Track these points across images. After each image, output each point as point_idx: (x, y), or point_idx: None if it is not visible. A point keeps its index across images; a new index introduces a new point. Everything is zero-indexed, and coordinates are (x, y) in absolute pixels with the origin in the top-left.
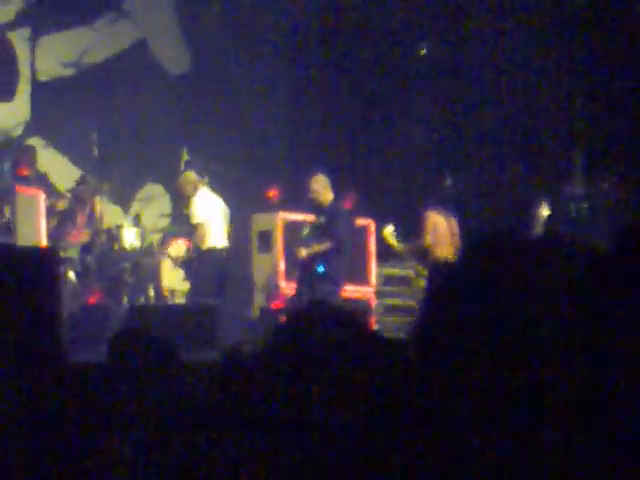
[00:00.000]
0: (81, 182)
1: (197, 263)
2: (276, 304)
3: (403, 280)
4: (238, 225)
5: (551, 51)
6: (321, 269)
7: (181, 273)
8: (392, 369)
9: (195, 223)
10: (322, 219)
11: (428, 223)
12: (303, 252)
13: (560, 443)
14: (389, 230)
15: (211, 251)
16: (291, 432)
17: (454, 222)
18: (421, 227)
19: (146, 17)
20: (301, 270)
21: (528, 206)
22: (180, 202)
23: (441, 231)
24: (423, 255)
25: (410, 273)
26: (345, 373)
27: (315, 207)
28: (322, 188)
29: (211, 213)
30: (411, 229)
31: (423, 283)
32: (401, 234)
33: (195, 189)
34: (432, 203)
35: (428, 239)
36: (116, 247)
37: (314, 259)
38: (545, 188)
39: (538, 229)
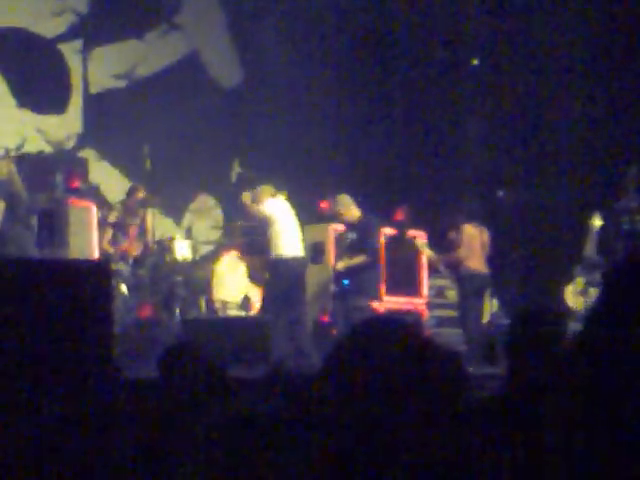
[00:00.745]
0: (131, 193)
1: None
2: (326, 317)
3: (439, 291)
4: None
5: (604, 67)
6: (346, 282)
7: (232, 285)
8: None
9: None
10: (354, 235)
11: (464, 235)
12: (339, 265)
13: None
14: (422, 240)
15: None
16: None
17: (486, 234)
18: (457, 239)
19: (198, 30)
20: (336, 284)
21: (582, 219)
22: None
23: (474, 243)
24: (456, 266)
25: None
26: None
27: (346, 224)
28: (345, 207)
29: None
30: (445, 240)
31: (453, 294)
32: (437, 245)
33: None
34: (468, 215)
35: (462, 251)
36: (168, 259)
37: (348, 273)
38: (599, 201)
39: (592, 241)
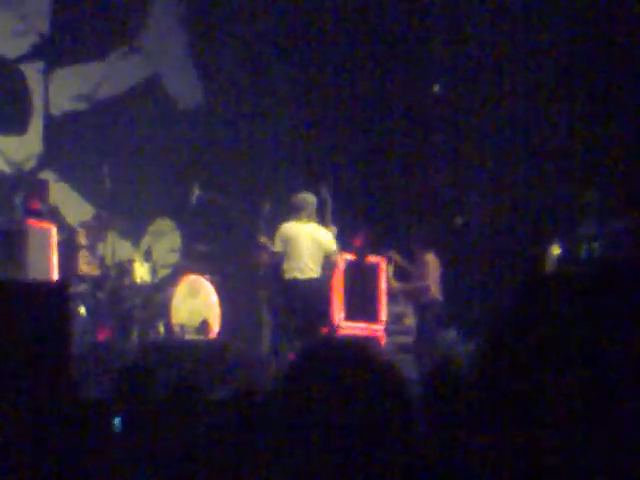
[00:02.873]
0: (95, 218)
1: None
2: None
3: (398, 317)
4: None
5: (564, 92)
6: None
7: (190, 308)
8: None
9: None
10: None
11: (428, 265)
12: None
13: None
14: (397, 260)
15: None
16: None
17: (439, 262)
18: (421, 268)
19: (159, 52)
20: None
21: (541, 245)
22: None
23: (436, 272)
24: (417, 294)
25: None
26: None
27: None
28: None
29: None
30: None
31: (411, 321)
32: (398, 273)
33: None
34: (430, 244)
35: (428, 280)
36: (126, 282)
37: None
38: (559, 228)
39: (551, 268)
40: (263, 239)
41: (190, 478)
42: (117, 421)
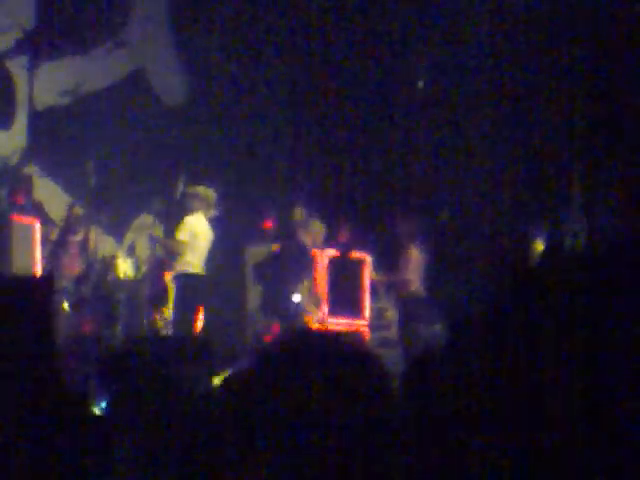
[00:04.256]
0: (69, 210)
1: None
2: (269, 337)
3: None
4: (232, 256)
5: (548, 86)
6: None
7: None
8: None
9: (179, 239)
10: None
11: (410, 259)
12: None
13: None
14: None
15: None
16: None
17: (422, 257)
18: (402, 261)
19: (144, 47)
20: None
21: (524, 239)
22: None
23: (417, 267)
24: (400, 288)
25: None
26: (339, 402)
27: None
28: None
29: (198, 240)
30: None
31: (391, 315)
32: (382, 267)
33: (201, 210)
34: (409, 237)
35: (409, 274)
36: (110, 277)
37: None
38: (542, 221)
39: (534, 261)
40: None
41: (174, 471)
42: (102, 404)
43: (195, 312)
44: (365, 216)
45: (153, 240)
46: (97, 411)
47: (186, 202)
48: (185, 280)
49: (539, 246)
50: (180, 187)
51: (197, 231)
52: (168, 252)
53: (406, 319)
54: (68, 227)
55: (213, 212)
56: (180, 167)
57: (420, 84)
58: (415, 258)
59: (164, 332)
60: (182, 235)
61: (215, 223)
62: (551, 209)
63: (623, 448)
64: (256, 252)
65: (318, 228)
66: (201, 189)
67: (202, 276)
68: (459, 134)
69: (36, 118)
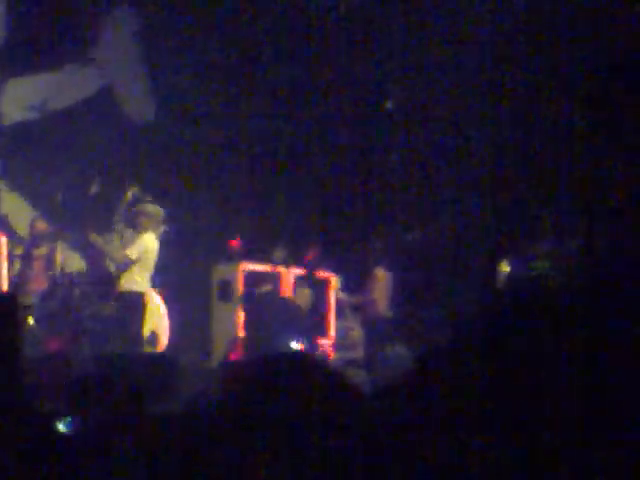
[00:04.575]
0: (32, 224)
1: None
2: (235, 355)
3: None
4: (198, 275)
5: (518, 108)
6: None
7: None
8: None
9: (129, 256)
10: None
11: (378, 279)
12: None
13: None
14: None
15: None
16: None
17: (388, 277)
18: (369, 282)
19: (113, 64)
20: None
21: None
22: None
23: (384, 287)
24: (366, 309)
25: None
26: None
27: None
28: None
29: (147, 258)
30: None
31: (358, 335)
32: (349, 287)
33: (150, 228)
34: (381, 258)
35: (375, 295)
36: (76, 292)
37: None
38: (511, 246)
39: (499, 286)
40: (94, 236)
41: None
42: (65, 421)
43: None
44: (332, 236)
45: (91, 245)
46: (62, 429)
47: (136, 220)
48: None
49: (504, 267)
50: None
51: (148, 249)
52: (114, 262)
53: (372, 339)
54: (32, 241)
55: (162, 229)
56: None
57: (388, 104)
58: (380, 278)
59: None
60: (132, 251)
61: (181, 241)
62: (521, 232)
63: (623, 448)
64: (223, 270)
65: None
66: (150, 207)
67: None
68: (433, 150)
69: (3, 133)
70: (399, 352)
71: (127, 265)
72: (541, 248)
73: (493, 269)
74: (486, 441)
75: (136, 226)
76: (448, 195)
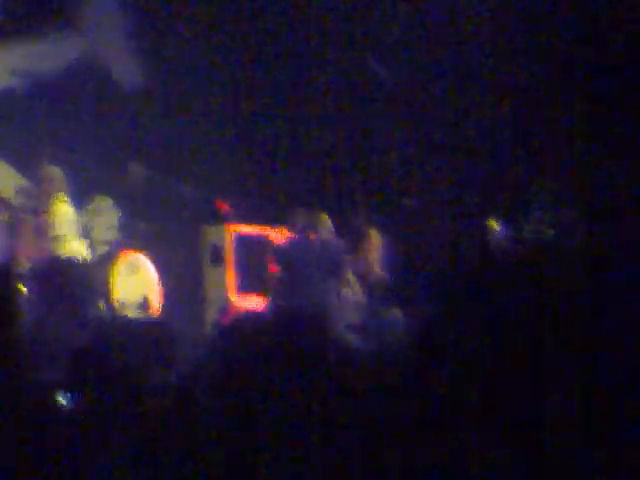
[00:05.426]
0: (23, 193)
1: None
2: (227, 318)
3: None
4: (187, 238)
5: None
6: None
7: (131, 285)
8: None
9: None
10: None
11: (372, 240)
12: None
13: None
14: None
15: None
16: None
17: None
18: (363, 244)
19: (100, 30)
20: None
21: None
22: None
23: (379, 250)
24: (360, 272)
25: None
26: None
27: None
28: None
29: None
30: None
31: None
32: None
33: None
34: (375, 221)
35: (371, 257)
36: (64, 259)
37: None
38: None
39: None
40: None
41: (140, 462)
42: (63, 396)
43: None
44: (326, 199)
45: None
46: (62, 401)
47: None
48: None
49: (493, 224)
50: (132, 170)
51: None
52: None
53: (368, 303)
54: (22, 209)
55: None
56: (134, 150)
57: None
58: (374, 239)
59: (120, 313)
60: None
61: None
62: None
63: (622, 448)
64: (212, 232)
65: None
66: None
67: None
68: (422, 119)
69: None
70: (394, 316)
71: None
72: (543, 216)
73: (484, 231)
74: (481, 416)
75: None
76: (446, 159)
